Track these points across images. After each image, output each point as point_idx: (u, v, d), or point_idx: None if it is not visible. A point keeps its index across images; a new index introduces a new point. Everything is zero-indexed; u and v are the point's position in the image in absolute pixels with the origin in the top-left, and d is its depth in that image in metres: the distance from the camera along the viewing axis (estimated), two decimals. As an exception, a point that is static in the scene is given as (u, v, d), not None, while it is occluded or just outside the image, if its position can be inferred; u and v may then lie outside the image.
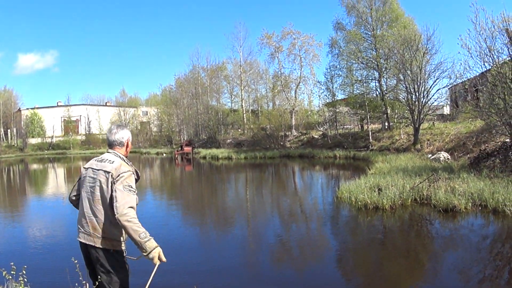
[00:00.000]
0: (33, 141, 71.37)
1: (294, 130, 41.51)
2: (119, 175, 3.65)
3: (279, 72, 46.02)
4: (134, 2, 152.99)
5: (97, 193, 3.66)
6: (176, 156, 43.49)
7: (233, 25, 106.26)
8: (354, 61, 33.67)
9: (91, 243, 3.64)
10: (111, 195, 3.61)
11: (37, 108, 76.90)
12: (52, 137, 72.58)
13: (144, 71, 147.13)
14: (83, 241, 3.70)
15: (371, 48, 32.96)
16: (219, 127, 50.21)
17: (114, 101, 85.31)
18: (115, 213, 3.51)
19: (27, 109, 76.63)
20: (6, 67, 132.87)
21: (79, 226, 3.75)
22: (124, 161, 3.86)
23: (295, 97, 44.44)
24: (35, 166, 45.92)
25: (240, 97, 51.83)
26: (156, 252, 3.54)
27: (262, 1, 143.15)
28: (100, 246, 3.64)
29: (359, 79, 33.86)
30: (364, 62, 33.02)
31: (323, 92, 40.85)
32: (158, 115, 67.25)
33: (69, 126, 73.87)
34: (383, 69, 31.60)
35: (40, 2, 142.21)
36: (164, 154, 49.59)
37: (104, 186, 3.64)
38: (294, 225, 10.58)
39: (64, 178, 30.27)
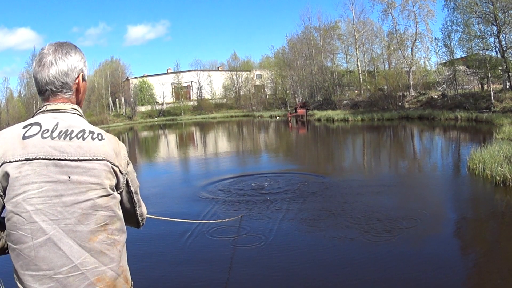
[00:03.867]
0: (142, 108, 73.58)
1: (412, 90, 40.96)
2: (127, 161, 1.93)
3: (394, 30, 45.12)
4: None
5: (101, 212, 1.75)
6: (290, 118, 43.96)
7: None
8: (471, 15, 31.92)
9: None
10: (128, 202, 1.99)
11: (146, 76, 79.63)
12: (162, 104, 74.54)
13: (254, 33, 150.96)
14: None
15: (486, 1, 30.95)
16: (334, 88, 50.63)
17: (226, 65, 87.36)
18: (139, 224, 2.16)
19: (136, 77, 79.35)
20: (116, 40, 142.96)
21: None
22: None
23: (412, 55, 43.68)
24: (145, 133, 47.66)
25: (356, 57, 51.78)
26: None
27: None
28: None
29: (478, 34, 32.17)
30: (481, 16, 31.29)
31: (440, 49, 39.95)
32: (272, 77, 68.02)
33: (180, 92, 75.24)
34: (501, 24, 29.94)
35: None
36: (278, 117, 50.64)
37: (113, 192, 1.82)
38: (423, 196, 9.53)
39: (177, 144, 32.10)
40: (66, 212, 1.68)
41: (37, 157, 1.67)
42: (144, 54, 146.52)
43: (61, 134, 1.73)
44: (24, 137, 1.70)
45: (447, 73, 36.58)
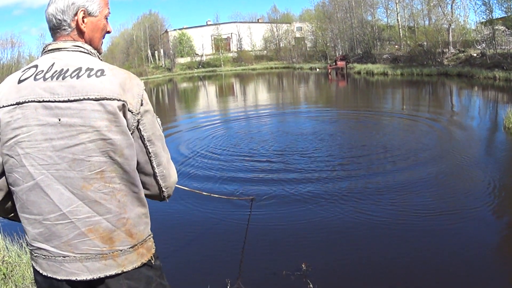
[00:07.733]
0: (181, 60, 74.84)
1: (451, 47, 41.64)
2: (141, 101, 1.68)
3: (435, -16, 45.32)
4: None
5: (95, 158, 1.59)
6: (330, 71, 44.97)
7: None
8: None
9: (110, 272, 1.64)
10: (141, 153, 1.70)
11: (185, 28, 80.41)
12: (201, 55, 75.68)
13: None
14: (82, 277, 1.62)
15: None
16: (374, 42, 51.71)
17: (266, 18, 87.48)
18: (161, 190, 1.79)
19: (175, 30, 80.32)
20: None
21: (45, 248, 1.63)
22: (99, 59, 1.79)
23: (452, 12, 44.36)
24: (184, 84, 48.55)
25: (396, 11, 52.54)
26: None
27: None
28: (135, 266, 1.69)
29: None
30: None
31: (479, 8, 40.15)
32: (312, 30, 68.69)
33: (220, 44, 76.27)
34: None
35: None
36: (318, 69, 51.81)
37: (113, 136, 1.59)
38: (459, 154, 9.22)
39: (216, 94, 33.28)
40: (56, 157, 1.57)
41: (27, 100, 1.59)
42: (183, 7, 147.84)
43: (54, 75, 1.60)
44: (19, 81, 1.64)
45: (486, 32, 37.33)
